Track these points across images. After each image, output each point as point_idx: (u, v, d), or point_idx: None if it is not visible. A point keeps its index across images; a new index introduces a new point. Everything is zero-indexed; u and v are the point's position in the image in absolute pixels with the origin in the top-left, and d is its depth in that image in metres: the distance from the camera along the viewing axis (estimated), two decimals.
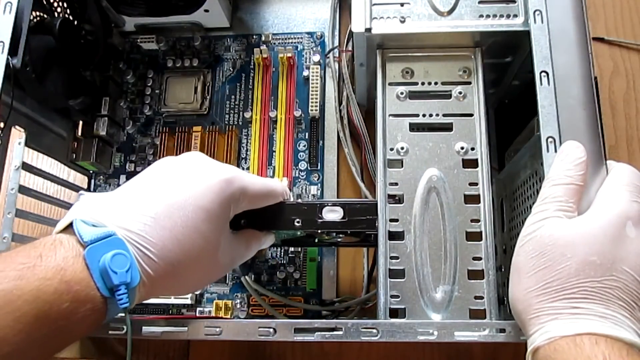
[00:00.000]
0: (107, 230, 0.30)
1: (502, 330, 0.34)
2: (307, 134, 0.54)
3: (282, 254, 0.51)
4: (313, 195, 0.52)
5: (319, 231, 0.38)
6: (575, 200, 0.32)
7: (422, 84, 0.42)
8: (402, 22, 0.41)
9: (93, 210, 0.31)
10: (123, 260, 0.29)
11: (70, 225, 0.30)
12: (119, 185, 0.54)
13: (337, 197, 0.52)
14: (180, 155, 0.36)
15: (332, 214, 0.38)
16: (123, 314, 0.31)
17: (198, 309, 0.50)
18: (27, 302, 0.26)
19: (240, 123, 0.55)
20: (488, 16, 0.40)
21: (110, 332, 0.35)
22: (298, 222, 0.38)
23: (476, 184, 0.39)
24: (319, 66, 0.55)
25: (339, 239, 0.42)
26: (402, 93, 0.42)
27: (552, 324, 0.29)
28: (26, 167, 0.45)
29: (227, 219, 0.34)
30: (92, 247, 0.29)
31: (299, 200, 0.39)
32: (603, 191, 0.32)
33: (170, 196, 0.32)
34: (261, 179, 0.37)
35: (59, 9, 0.47)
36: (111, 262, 0.29)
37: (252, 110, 0.54)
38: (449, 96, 0.41)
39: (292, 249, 0.50)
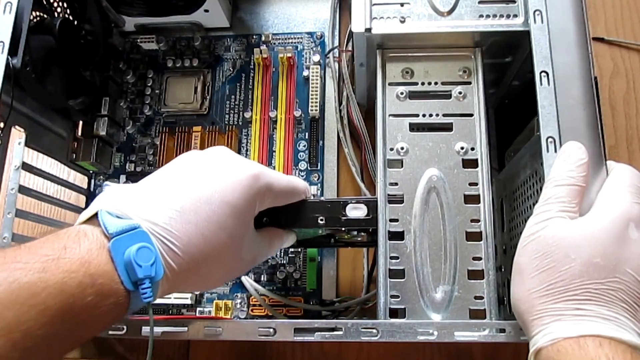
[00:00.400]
0: (132, 223, 0.29)
1: (502, 330, 0.34)
2: (307, 134, 0.54)
3: (282, 254, 0.51)
4: (313, 195, 0.52)
5: (343, 229, 0.38)
6: (577, 201, 0.32)
7: (422, 84, 0.42)
8: (402, 22, 0.41)
9: (118, 201, 0.31)
10: (148, 253, 0.29)
11: (94, 216, 0.30)
12: None
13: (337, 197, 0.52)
14: (206, 149, 0.36)
15: (356, 211, 0.38)
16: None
17: (198, 309, 0.50)
18: (51, 295, 0.26)
19: (240, 123, 0.55)
20: (488, 16, 0.40)
21: (110, 332, 0.35)
22: (322, 219, 0.37)
23: (476, 184, 0.39)
24: (319, 66, 0.55)
25: (359, 238, 0.41)
26: (402, 93, 0.42)
27: (555, 325, 0.29)
28: (26, 167, 0.45)
29: (252, 215, 0.34)
30: (117, 239, 0.29)
31: (322, 198, 0.38)
32: (605, 192, 0.32)
33: (196, 190, 0.31)
34: (286, 176, 0.37)
35: (59, 9, 0.47)
36: (136, 256, 0.28)
37: (252, 110, 0.54)
38: (449, 96, 0.41)
39: (291, 249, 0.50)
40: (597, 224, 0.30)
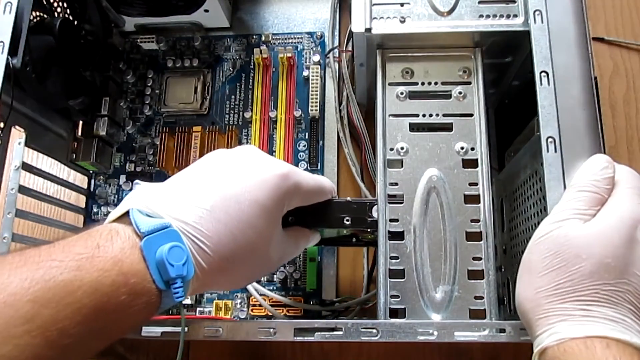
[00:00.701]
0: (164, 222, 0.29)
1: (502, 330, 0.34)
2: (307, 134, 0.54)
3: None
4: None
5: (368, 230, 0.38)
6: (597, 209, 0.31)
7: (422, 84, 0.42)
8: (402, 22, 0.41)
9: (148, 200, 0.31)
10: (180, 252, 0.29)
11: (125, 214, 0.30)
12: (119, 185, 0.54)
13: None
14: (234, 148, 0.36)
15: None
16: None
17: (198, 309, 0.50)
18: (86, 293, 0.26)
19: (240, 123, 0.55)
20: (488, 16, 0.40)
21: None
22: (347, 220, 0.37)
23: (476, 184, 0.39)
24: (319, 66, 0.55)
25: None
26: (402, 93, 0.42)
27: (562, 325, 0.29)
28: (26, 167, 0.45)
29: (281, 214, 0.34)
30: (149, 238, 0.28)
31: (348, 199, 0.38)
32: (614, 195, 0.32)
33: (226, 189, 0.31)
34: (313, 176, 0.36)
35: (59, 9, 0.47)
36: (168, 255, 0.28)
37: (252, 110, 0.54)
38: (449, 96, 0.41)
39: None
40: (608, 225, 0.30)
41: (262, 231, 0.32)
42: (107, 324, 0.27)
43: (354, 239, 0.42)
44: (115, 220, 0.30)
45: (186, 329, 0.36)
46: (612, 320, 0.29)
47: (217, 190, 0.31)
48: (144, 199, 0.31)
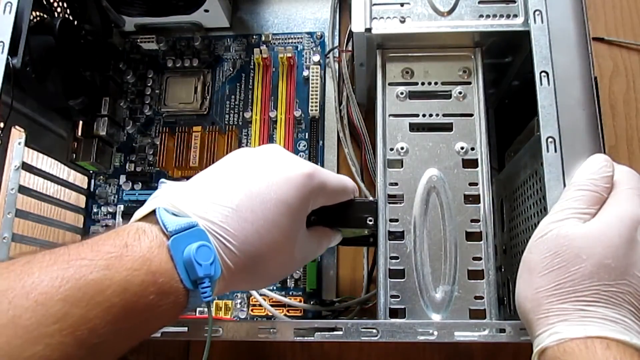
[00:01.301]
0: (191, 221, 0.29)
1: (502, 330, 0.34)
2: (307, 134, 0.54)
3: None
4: None
5: None
6: (596, 208, 0.31)
7: (422, 84, 0.42)
8: (402, 22, 0.41)
9: (174, 199, 0.31)
10: (207, 252, 0.29)
11: (151, 213, 0.30)
12: (119, 185, 0.54)
13: None
14: (259, 147, 0.35)
15: None
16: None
17: (198, 309, 0.50)
18: (115, 293, 0.26)
19: (240, 123, 0.55)
20: (488, 16, 0.40)
21: None
22: (370, 220, 0.37)
23: (476, 184, 0.39)
24: (319, 66, 0.55)
25: None
26: (402, 93, 0.42)
27: (562, 325, 0.29)
28: (26, 167, 0.45)
29: (305, 214, 0.34)
30: (176, 237, 0.28)
31: (371, 199, 0.38)
32: (614, 195, 0.32)
33: (251, 188, 0.31)
34: (336, 175, 0.36)
35: (59, 9, 0.47)
36: (196, 254, 0.28)
37: (252, 110, 0.54)
38: (449, 96, 0.41)
39: None
40: (609, 226, 0.30)
41: (287, 230, 0.32)
42: (136, 323, 0.27)
43: (371, 239, 0.42)
44: (141, 219, 0.30)
45: (186, 328, 0.35)
46: (612, 321, 0.29)
47: (242, 189, 0.31)
48: (170, 198, 0.31)
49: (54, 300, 0.25)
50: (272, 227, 0.31)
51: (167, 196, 0.31)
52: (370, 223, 0.37)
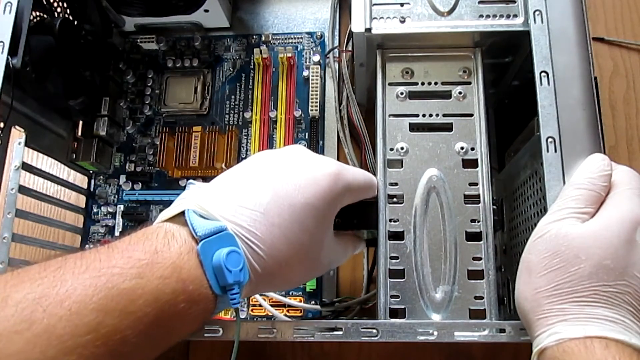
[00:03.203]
0: (220, 225, 0.29)
1: (502, 330, 0.34)
2: (307, 134, 0.54)
3: None
4: None
5: None
6: (594, 207, 0.31)
7: (422, 84, 0.42)
8: (402, 22, 0.41)
9: (202, 200, 0.30)
10: (237, 258, 0.28)
11: (179, 214, 0.30)
12: (119, 185, 0.54)
13: None
14: (283, 147, 0.35)
15: None
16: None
17: None
18: (147, 302, 0.26)
19: (240, 123, 0.55)
20: (488, 16, 0.40)
21: None
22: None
23: (476, 184, 0.39)
24: (319, 66, 0.55)
25: None
26: (402, 93, 0.42)
27: (561, 326, 0.29)
28: (26, 167, 0.45)
29: (332, 216, 0.34)
30: (205, 242, 0.28)
31: None
32: (613, 195, 0.32)
33: (279, 191, 0.31)
34: (361, 171, 0.36)
35: (59, 9, 0.47)
36: (226, 260, 0.28)
37: (252, 110, 0.54)
38: (449, 96, 0.41)
39: None
40: (608, 226, 0.30)
41: (314, 234, 0.32)
42: (165, 331, 0.27)
43: None
44: (168, 220, 0.30)
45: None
46: (611, 321, 0.29)
47: (269, 192, 0.31)
48: (198, 200, 0.30)
49: (88, 309, 0.24)
50: (299, 231, 0.31)
51: (195, 198, 0.31)
52: None
